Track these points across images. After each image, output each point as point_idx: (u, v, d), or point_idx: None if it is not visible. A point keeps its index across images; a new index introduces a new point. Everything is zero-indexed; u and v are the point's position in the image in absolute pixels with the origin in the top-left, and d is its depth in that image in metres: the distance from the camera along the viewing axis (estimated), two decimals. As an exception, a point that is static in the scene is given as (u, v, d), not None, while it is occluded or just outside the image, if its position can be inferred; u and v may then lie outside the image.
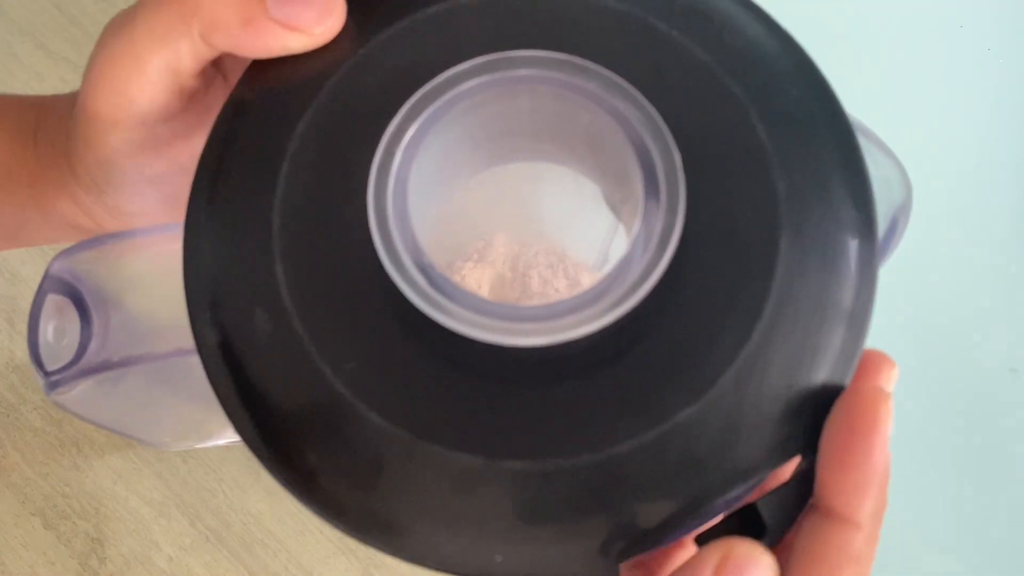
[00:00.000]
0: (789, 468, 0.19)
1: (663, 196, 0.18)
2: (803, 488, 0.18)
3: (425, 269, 0.18)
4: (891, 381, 0.20)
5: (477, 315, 0.17)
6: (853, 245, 0.19)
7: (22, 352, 0.42)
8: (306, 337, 0.18)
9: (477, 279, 0.25)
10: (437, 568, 0.18)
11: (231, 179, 0.20)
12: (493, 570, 0.18)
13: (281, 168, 0.19)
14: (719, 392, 0.18)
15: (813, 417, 0.18)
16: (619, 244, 0.24)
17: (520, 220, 0.26)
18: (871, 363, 0.19)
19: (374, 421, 0.18)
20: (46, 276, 0.22)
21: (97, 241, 0.23)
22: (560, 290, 0.25)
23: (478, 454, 0.18)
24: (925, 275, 0.47)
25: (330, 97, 0.20)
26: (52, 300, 0.22)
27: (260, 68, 0.21)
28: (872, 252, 0.19)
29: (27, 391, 0.43)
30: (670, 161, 0.18)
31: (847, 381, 0.19)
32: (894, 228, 0.23)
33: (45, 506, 0.41)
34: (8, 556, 0.40)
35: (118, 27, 0.23)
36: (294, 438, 0.19)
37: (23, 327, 0.41)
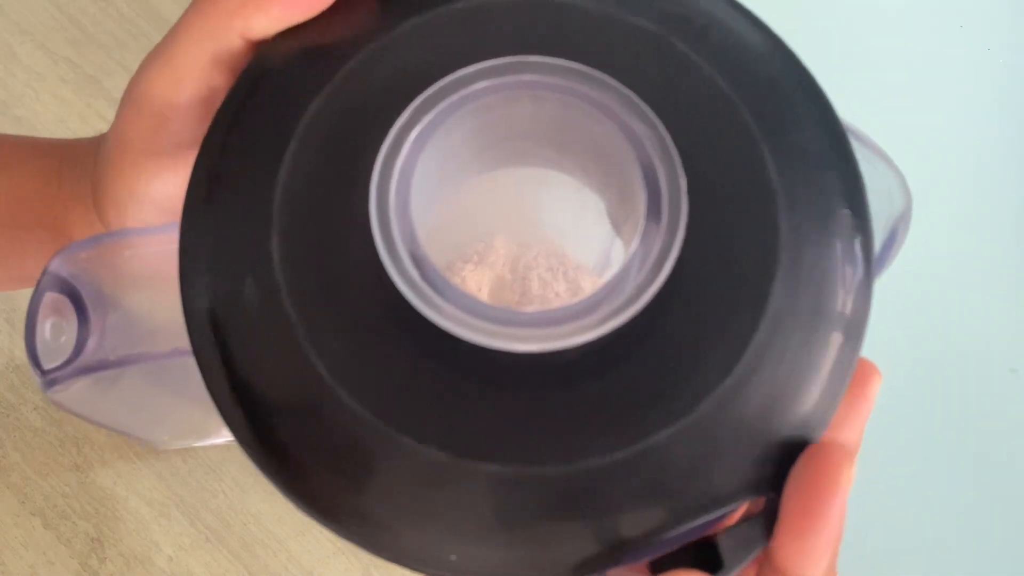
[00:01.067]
0: (756, 505, 0.19)
1: (664, 219, 0.18)
2: (765, 528, 0.18)
3: (420, 262, 0.18)
4: (875, 391, 0.20)
5: (463, 313, 0.17)
6: (847, 293, 0.19)
7: (22, 352, 0.42)
8: (293, 313, 0.18)
9: (477, 281, 0.25)
10: (391, 559, 0.18)
11: (237, 155, 0.20)
12: (447, 568, 0.18)
13: (287, 148, 0.19)
14: (696, 420, 0.18)
15: (785, 459, 0.18)
16: (620, 248, 0.24)
17: (521, 222, 0.26)
18: (858, 373, 0.19)
19: (348, 405, 0.18)
20: (44, 273, 0.22)
21: (95, 240, 0.23)
22: (560, 293, 0.25)
23: (446, 451, 0.18)
24: (925, 275, 0.47)
25: (344, 83, 0.20)
26: (50, 298, 0.22)
27: (274, 47, 0.21)
28: (867, 300, 0.19)
29: (27, 391, 0.43)
30: (675, 185, 0.18)
31: (821, 430, 0.19)
32: (893, 238, 0.23)
33: (45, 506, 0.41)
34: (8, 556, 0.40)
35: (151, 58, 0.24)
36: (269, 411, 0.19)
37: (23, 327, 0.41)
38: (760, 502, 0.19)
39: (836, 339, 0.19)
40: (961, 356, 0.47)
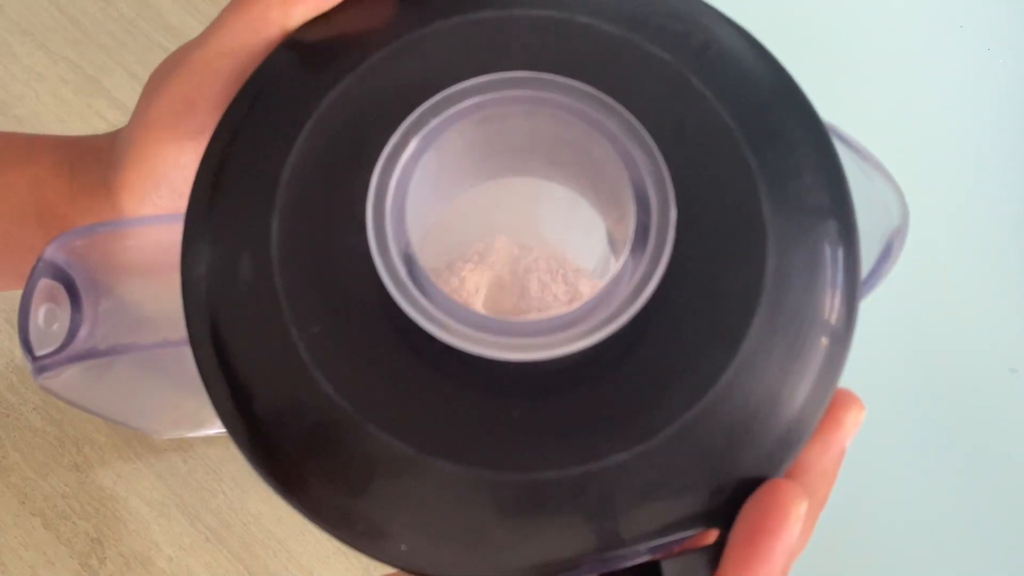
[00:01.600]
0: (709, 537, 0.19)
1: (649, 249, 0.18)
2: (712, 560, 0.18)
3: (410, 260, 0.18)
4: (856, 424, 0.20)
5: (439, 313, 0.18)
6: (824, 344, 0.19)
7: (21, 352, 0.42)
8: (282, 291, 0.19)
9: (476, 281, 0.25)
10: (353, 546, 0.19)
11: (248, 141, 0.20)
12: (397, 558, 0.18)
13: (297, 139, 0.20)
14: (654, 446, 0.18)
15: (742, 493, 0.18)
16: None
17: (522, 224, 0.26)
18: (838, 402, 0.19)
19: (321, 386, 0.18)
20: (40, 260, 0.22)
21: (91, 228, 0.23)
22: (559, 296, 0.25)
23: (409, 443, 0.18)
24: (925, 275, 0.47)
25: (358, 82, 0.20)
26: (44, 284, 0.22)
27: (276, 59, 0.22)
28: (844, 347, 0.19)
29: (27, 391, 0.43)
30: (665, 217, 0.18)
31: (785, 466, 0.19)
32: (889, 252, 0.23)
33: (45, 506, 0.41)
34: (8, 556, 0.40)
35: (187, 48, 0.24)
36: (247, 381, 0.19)
37: (23, 327, 0.41)
38: (714, 533, 0.19)
39: (806, 382, 0.19)
40: (961, 356, 0.47)
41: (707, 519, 0.18)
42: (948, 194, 0.49)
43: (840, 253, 0.19)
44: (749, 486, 0.18)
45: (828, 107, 0.21)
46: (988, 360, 0.47)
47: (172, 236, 0.20)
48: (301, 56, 0.22)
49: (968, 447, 0.45)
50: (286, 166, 0.20)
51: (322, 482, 0.19)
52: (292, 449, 0.19)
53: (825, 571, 0.44)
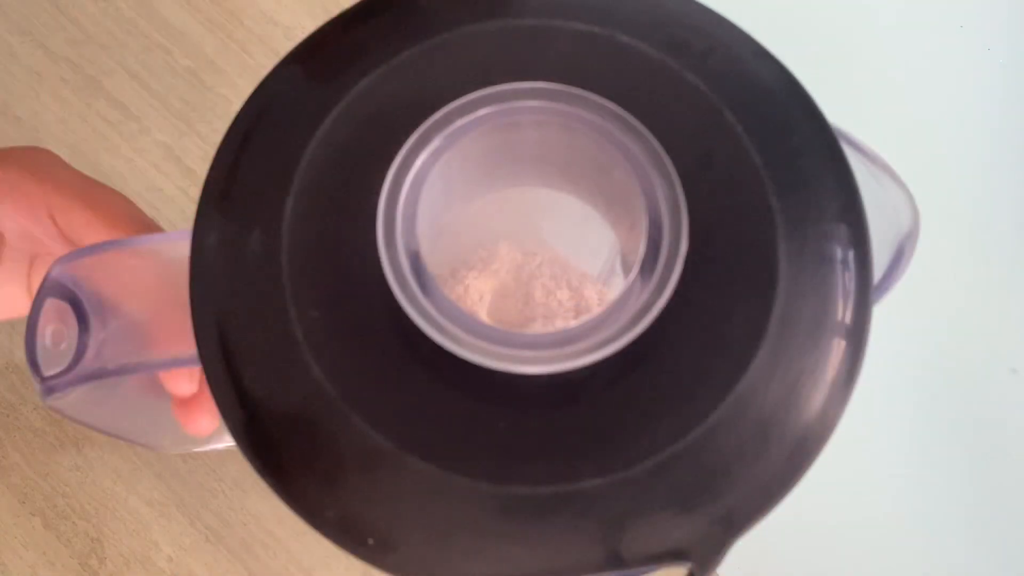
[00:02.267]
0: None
1: (655, 278, 0.18)
2: None
3: (415, 259, 0.18)
4: None
5: (442, 316, 0.18)
6: (830, 383, 0.19)
7: (22, 352, 0.42)
8: (288, 272, 0.19)
9: (480, 288, 0.25)
10: (321, 531, 0.19)
11: (259, 147, 0.21)
12: (362, 551, 0.19)
13: (312, 137, 0.20)
14: (631, 476, 0.18)
15: (715, 536, 0.18)
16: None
17: (526, 230, 0.26)
18: None
19: (313, 371, 0.18)
20: (46, 280, 0.22)
21: (98, 248, 0.23)
22: (563, 302, 0.25)
23: (391, 439, 0.18)
24: (925, 275, 0.47)
25: (351, 108, 0.20)
26: (52, 304, 0.22)
27: (277, 80, 0.22)
28: (846, 395, 0.19)
29: (27, 391, 0.43)
30: (675, 247, 0.18)
31: (765, 513, 0.19)
32: (900, 256, 0.23)
33: (45, 506, 0.41)
34: (8, 556, 0.40)
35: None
36: (242, 358, 0.19)
37: (23, 328, 0.41)
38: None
39: (810, 415, 0.18)
40: (961, 356, 0.47)
41: (678, 555, 0.18)
42: (948, 194, 0.49)
43: (852, 285, 0.19)
44: (727, 527, 0.18)
45: (828, 107, 0.21)
46: (988, 360, 0.47)
47: (180, 252, 0.20)
48: (332, 51, 0.21)
49: (968, 447, 0.45)
50: (306, 153, 0.20)
51: (299, 465, 0.19)
52: (275, 428, 0.19)
53: (824, 571, 0.44)
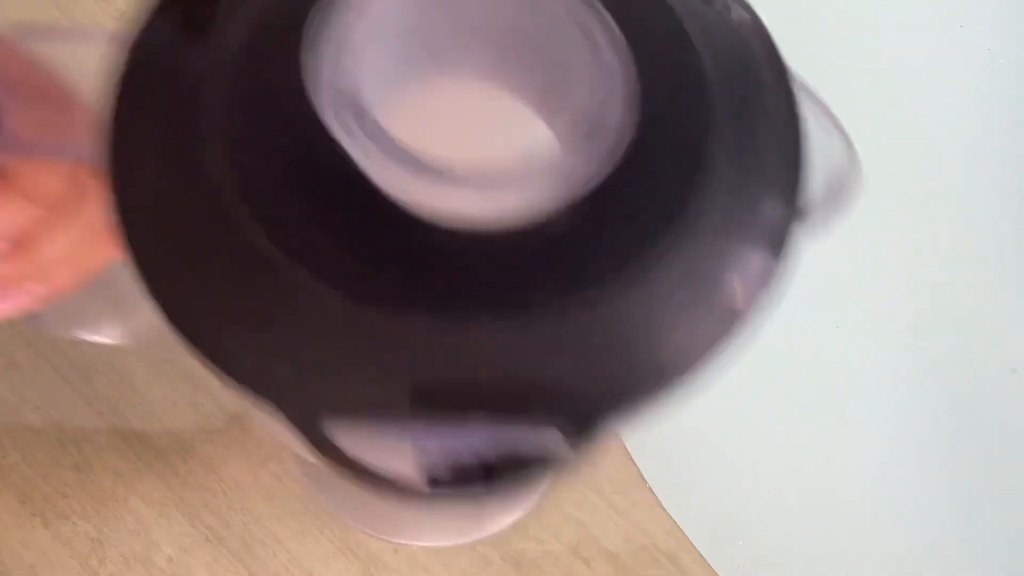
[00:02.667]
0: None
1: (594, 146, 0.17)
2: None
3: (351, 96, 0.17)
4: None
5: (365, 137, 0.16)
6: (753, 273, 0.18)
7: (22, 352, 0.42)
8: (206, 84, 0.18)
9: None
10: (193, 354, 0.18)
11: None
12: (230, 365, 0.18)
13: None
14: (523, 323, 0.17)
15: (596, 406, 0.18)
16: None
17: (458, 141, 0.25)
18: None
19: (207, 166, 0.18)
20: None
21: None
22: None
23: (286, 252, 0.17)
24: (925, 275, 0.47)
25: None
26: None
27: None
28: (771, 275, 0.19)
29: (27, 391, 0.43)
30: (619, 115, 0.17)
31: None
32: (836, 198, 0.22)
33: (45, 506, 0.41)
34: (8, 556, 0.40)
35: None
36: (146, 157, 0.18)
37: (24, 328, 0.41)
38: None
39: (702, 321, 0.18)
40: (961, 356, 0.47)
41: (552, 413, 0.17)
42: (947, 194, 0.49)
43: (781, 186, 0.19)
44: (614, 400, 0.18)
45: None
46: (988, 360, 0.47)
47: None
48: None
49: (968, 447, 0.45)
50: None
51: (182, 266, 0.18)
52: (166, 226, 0.18)
53: (824, 570, 0.44)
